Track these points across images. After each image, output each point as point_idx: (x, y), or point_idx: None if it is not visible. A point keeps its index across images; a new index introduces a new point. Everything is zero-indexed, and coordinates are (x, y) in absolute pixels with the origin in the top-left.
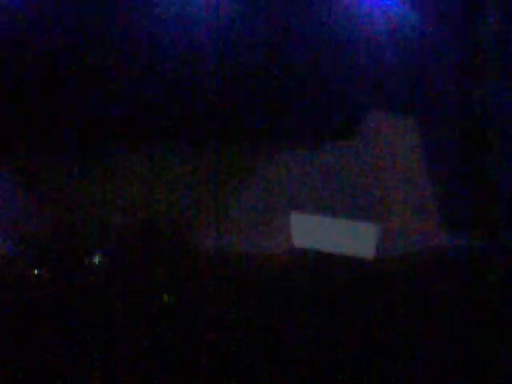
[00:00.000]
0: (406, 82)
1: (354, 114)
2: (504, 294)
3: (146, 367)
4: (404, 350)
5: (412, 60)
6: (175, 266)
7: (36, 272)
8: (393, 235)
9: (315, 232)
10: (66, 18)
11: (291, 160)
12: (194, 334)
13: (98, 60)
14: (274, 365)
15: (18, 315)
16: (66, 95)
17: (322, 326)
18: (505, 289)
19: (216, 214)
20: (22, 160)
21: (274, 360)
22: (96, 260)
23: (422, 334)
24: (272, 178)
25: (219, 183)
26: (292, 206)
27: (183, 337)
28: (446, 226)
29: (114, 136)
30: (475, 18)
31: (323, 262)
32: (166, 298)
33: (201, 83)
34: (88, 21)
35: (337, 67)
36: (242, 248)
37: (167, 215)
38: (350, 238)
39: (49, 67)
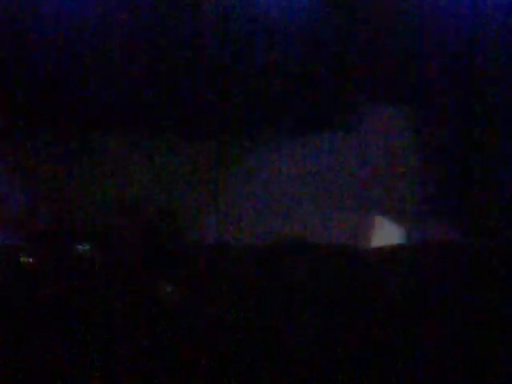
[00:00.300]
0: (406, 77)
1: (354, 108)
2: (504, 294)
3: (146, 367)
4: (404, 350)
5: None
6: (175, 264)
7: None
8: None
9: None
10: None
11: (291, 153)
12: (194, 333)
13: (98, 55)
14: (274, 365)
15: (17, 315)
16: (64, 90)
17: (322, 324)
18: (505, 289)
19: (216, 210)
20: (20, 156)
21: (274, 360)
22: (87, 250)
23: (422, 333)
24: (272, 173)
25: (219, 177)
26: (292, 199)
27: (183, 337)
28: (445, 223)
29: (111, 129)
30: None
31: (322, 256)
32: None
33: (200, 78)
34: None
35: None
36: (242, 243)
37: (165, 210)
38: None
39: (47, 63)
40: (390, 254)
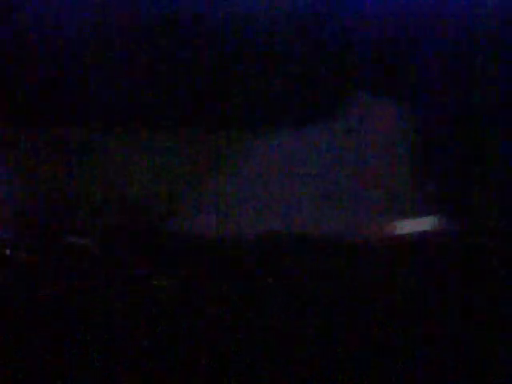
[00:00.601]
0: (409, 77)
1: (355, 106)
2: (504, 294)
3: (146, 367)
4: (404, 350)
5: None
6: (174, 263)
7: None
8: (391, 229)
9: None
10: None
11: (291, 146)
12: (194, 333)
13: (98, 54)
14: (274, 365)
15: (17, 315)
16: (64, 89)
17: (323, 323)
18: (505, 288)
19: (215, 204)
20: (21, 156)
21: (274, 360)
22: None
23: (422, 333)
24: (273, 172)
25: (218, 171)
26: (294, 194)
27: (183, 337)
28: (445, 221)
29: (110, 123)
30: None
31: (324, 251)
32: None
33: (200, 77)
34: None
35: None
36: (241, 238)
37: (164, 205)
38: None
39: (46, 63)
40: (390, 252)
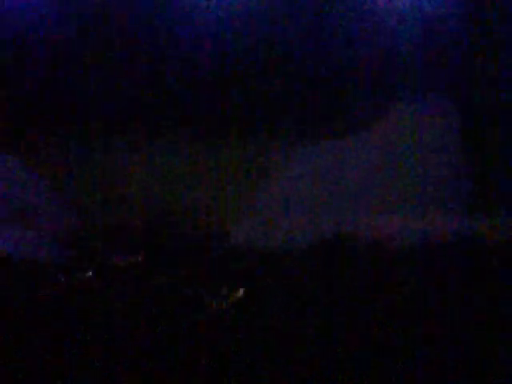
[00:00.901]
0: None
1: (361, 110)
2: (504, 294)
3: (146, 367)
4: (404, 350)
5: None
6: (175, 263)
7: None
8: (396, 230)
9: None
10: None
11: (304, 154)
12: (194, 333)
13: (100, 54)
14: (274, 365)
15: (18, 315)
16: (66, 89)
17: (323, 325)
18: (505, 288)
19: (229, 211)
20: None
21: (274, 360)
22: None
23: (422, 333)
24: (286, 174)
25: (234, 178)
26: (306, 202)
27: (183, 337)
28: (449, 222)
29: (125, 129)
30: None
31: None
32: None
33: (201, 79)
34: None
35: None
36: (255, 245)
37: (182, 213)
38: None
39: (50, 63)
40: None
